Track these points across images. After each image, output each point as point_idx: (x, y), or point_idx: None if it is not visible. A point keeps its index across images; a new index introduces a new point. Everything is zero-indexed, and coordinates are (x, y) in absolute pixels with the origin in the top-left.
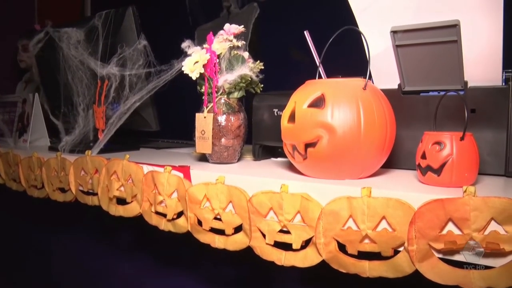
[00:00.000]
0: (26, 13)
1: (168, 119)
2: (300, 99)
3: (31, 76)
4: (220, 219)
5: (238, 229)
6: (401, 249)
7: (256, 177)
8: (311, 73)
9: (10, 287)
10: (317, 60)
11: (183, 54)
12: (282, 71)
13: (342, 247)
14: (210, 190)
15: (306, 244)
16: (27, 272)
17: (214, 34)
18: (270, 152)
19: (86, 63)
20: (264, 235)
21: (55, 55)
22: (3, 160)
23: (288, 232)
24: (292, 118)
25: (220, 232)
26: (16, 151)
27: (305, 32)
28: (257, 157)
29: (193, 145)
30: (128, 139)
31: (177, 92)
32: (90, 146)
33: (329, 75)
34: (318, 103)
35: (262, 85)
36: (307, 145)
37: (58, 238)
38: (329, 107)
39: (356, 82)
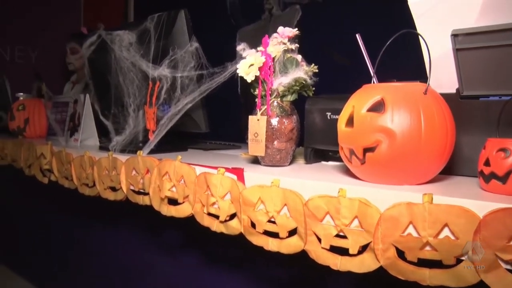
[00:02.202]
0: (72, 18)
1: (213, 121)
2: (359, 103)
3: (78, 77)
4: (274, 222)
5: (292, 232)
6: (464, 258)
7: (313, 181)
8: (357, 76)
9: (54, 283)
10: (369, 64)
11: (237, 57)
12: (327, 74)
13: (401, 254)
14: (265, 193)
15: (363, 249)
16: (72, 268)
17: (256, 36)
18: (321, 156)
19: (138, 65)
20: (319, 239)
21: (106, 57)
22: (56, 159)
23: (344, 237)
24: (350, 122)
25: (274, 235)
26: (68, 150)
27: (357, 35)
28: (309, 160)
29: (239, 147)
30: (176, 140)
31: (222, 93)
32: (140, 146)
33: (380, 79)
34: (377, 107)
35: (314, 88)
36: (366, 150)
37: (106, 235)
38: (389, 111)
39: (416, 86)
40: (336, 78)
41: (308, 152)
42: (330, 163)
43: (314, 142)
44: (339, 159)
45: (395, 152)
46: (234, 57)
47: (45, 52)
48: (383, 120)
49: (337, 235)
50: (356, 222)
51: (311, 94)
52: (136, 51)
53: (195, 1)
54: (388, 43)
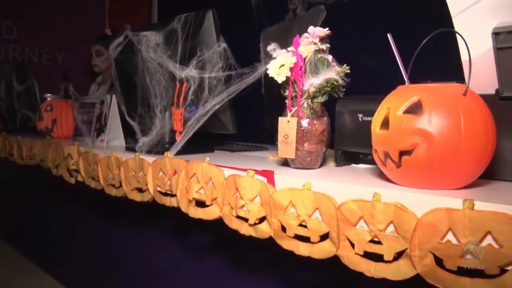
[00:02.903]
0: (97, 20)
1: (239, 121)
2: (394, 105)
3: (103, 78)
4: (305, 226)
5: (324, 237)
6: (509, 268)
7: (345, 184)
8: (385, 77)
9: (81, 282)
10: (401, 64)
11: (261, 57)
12: (353, 74)
13: (439, 261)
14: (296, 196)
15: (398, 256)
16: (98, 267)
17: (280, 37)
18: (351, 158)
19: (165, 66)
20: (352, 245)
21: (133, 58)
22: (83, 159)
23: (379, 242)
24: (385, 124)
25: (305, 239)
26: (94, 151)
27: (388, 35)
28: (339, 163)
29: (266, 148)
30: (202, 141)
31: (244, 93)
32: (167, 147)
33: (411, 79)
34: (414, 109)
35: (344, 89)
36: (402, 153)
37: (132, 235)
38: (427, 113)
39: (455, 87)
40: (363, 79)
41: (339, 155)
42: (361, 165)
43: (345, 144)
44: (370, 161)
45: (433, 155)
46: (257, 57)
47: (71, 53)
48: (420, 122)
49: (371, 241)
50: (391, 227)
51: (341, 95)
52: (163, 51)
53: (218, 2)
54: (424, 42)
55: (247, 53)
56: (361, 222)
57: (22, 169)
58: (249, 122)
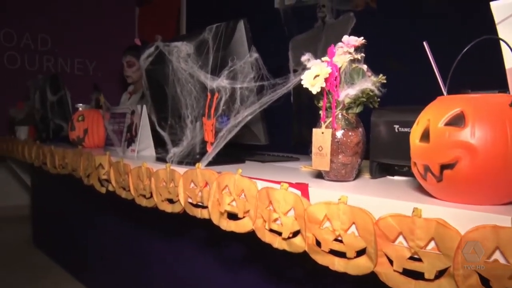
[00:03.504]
0: (126, 30)
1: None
2: (435, 116)
3: (135, 88)
4: (341, 241)
5: (360, 252)
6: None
7: (383, 199)
8: (419, 86)
9: None
10: (438, 73)
11: (290, 66)
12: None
13: (485, 282)
14: (331, 210)
15: (440, 274)
16: (128, 277)
17: (308, 45)
18: (386, 170)
19: (196, 76)
20: (391, 261)
21: (164, 68)
22: (114, 169)
23: (419, 259)
24: (425, 136)
25: (341, 254)
26: (125, 161)
27: (424, 42)
28: (374, 175)
29: (297, 159)
30: (233, 151)
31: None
32: (197, 158)
33: (449, 89)
34: (456, 121)
35: (379, 99)
36: (443, 167)
37: (162, 246)
38: (470, 125)
39: (500, 98)
40: (396, 88)
41: (374, 166)
42: (396, 177)
43: (381, 156)
44: (406, 173)
45: (477, 169)
46: (286, 65)
47: (101, 63)
48: (463, 135)
49: (411, 258)
50: (432, 244)
51: (376, 106)
52: (194, 62)
53: (245, 11)
54: (465, 50)
55: (276, 62)
56: (400, 238)
57: (55, 178)
58: (275, 130)
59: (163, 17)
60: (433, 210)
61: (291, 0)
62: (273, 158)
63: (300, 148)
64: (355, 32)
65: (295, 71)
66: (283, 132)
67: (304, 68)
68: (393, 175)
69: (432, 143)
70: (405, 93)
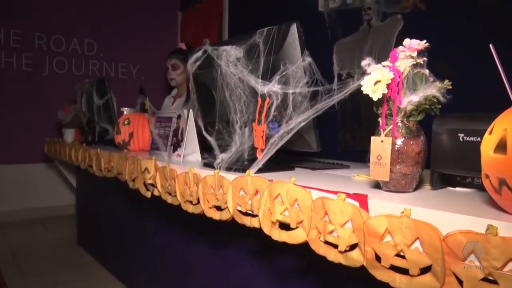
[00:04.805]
0: (169, 35)
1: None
2: None
3: (179, 92)
4: (403, 257)
5: (425, 269)
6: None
7: (450, 213)
8: (477, 92)
9: None
10: (505, 78)
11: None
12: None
13: None
14: (393, 224)
15: None
16: (171, 283)
17: (353, 49)
18: (447, 181)
19: (246, 81)
20: (460, 282)
21: (212, 72)
22: (160, 174)
23: (494, 282)
24: (501, 147)
25: (403, 270)
26: (172, 166)
27: (490, 45)
28: (435, 186)
29: (348, 166)
30: (280, 157)
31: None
32: (246, 165)
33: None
34: None
35: (440, 106)
36: None
37: (208, 252)
38: None
39: None
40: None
41: (435, 177)
42: (458, 189)
43: (443, 166)
44: (468, 185)
45: None
46: (330, 70)
47: (144, 67)
48: None
49: (484, 279)
50: (510, 265)
51: (437, 113)
52: (244, 66)
53: (288, 15)
54: None
55: (319, 66)
56: (472, 257)
57: (99, 180)
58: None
59: (205, 21)
60: (510, 228)
61: (336, 3)
62: (323, 165)
63: (345, 154)
64: (403, 35)
65: (339, 75)
66: (328, 138)
67: (349, 73)
68: (454, 186)
69: (510, 155)
70: (459, 99)
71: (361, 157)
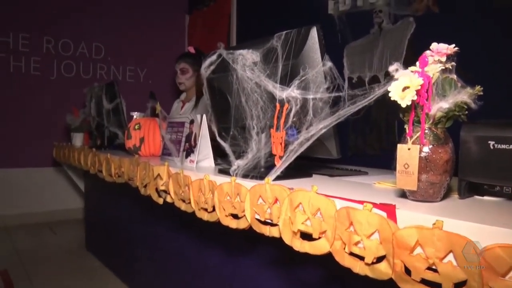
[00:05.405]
0: (176, 39)
1: None
2: None
3: (187, 96)
4: (435, 270)
5: (459, 284)
6: None
7: (487, 226)
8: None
9: None
10: None
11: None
12: None
13: None
14: (424, 236)
15: None
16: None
17: (363, 52)
18: (474, 189)
19: (263, 86)
20: None
21: (227, 77)
22: (173, 180)
23: None
24: None
25: (435, 285)
26: (185, 172)
27: None
28: (462, 195)
29: (366, 173)
30: (300, 165)
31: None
32: (263, 172)
33: None
34: None
35: (467, 112)
36: None
37: (223, 261)
38: None
39: None
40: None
41: (463, 186)
42: (486, 198)
43: (471, 174)
44: (497, 194)
45: None
46: (340, 73)
47: (151, 71)
48: None
49: None
50: None
51: (465, 119)
52: (261, 71)
53: (297, 18)
54: None
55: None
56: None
57: (107, 184)
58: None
59: (213, 24)
60: None
61: (346, 5)
62: (342, 172)
63: (355, 158)
64: (415, 38)
65: (350, 78)
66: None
67: (359, 76)
68: (482, 195)
69: None
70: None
71: (372, 161)
